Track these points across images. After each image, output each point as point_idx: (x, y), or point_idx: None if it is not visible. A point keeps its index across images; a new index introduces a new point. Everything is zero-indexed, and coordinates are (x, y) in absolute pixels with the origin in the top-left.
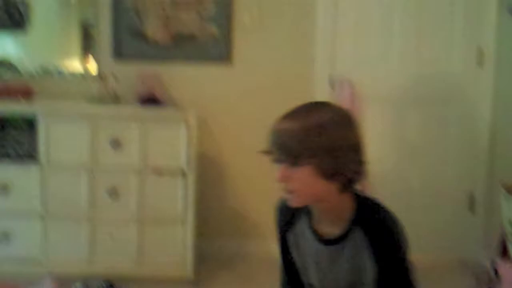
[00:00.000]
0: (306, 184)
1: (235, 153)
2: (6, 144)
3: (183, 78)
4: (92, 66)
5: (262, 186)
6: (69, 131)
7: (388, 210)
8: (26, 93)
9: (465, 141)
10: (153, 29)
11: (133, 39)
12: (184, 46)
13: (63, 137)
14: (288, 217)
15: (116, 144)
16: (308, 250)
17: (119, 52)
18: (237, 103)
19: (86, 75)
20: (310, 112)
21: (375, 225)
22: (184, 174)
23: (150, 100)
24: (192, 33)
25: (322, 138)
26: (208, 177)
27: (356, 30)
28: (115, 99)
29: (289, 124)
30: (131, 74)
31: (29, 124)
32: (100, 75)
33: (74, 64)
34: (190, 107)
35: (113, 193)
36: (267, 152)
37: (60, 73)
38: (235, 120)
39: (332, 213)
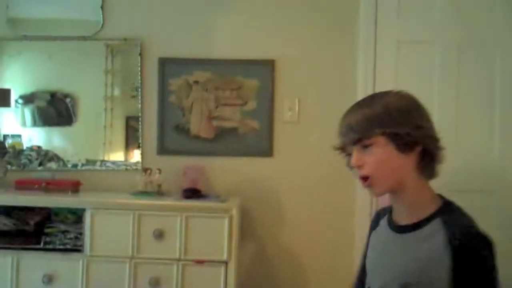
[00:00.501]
0: (381, 163)
1: (276, 242)
2: (53, 236)
3: (225, 170)
4: (137, 159)
5: (303, 274)
6: (114, 223)
7: (482, 231)
8: (73, 186)
9: (508, 230)
10: (197, 124)
11: (176, 133)
12: (226, 140)
13: (107, 228)
14: (375, 220)
15: (159, 235)
16: (379, 242)
17: (163, 146)
18: (277, 193)
19: (130, 168)
20: (374, 98)
21: (461, 228)
22: (225, 264)
23: (193, 192)
24: (234, 127)
25: (389, 114)
26: (250, 264)
27: None
28: (159, 191)
29: (355, 111)
30: (175, 167)
31: (76, 216)
32: (144, 168)
33: (118, 157)
34: (232, 199)
35: (155, 283)
36: (339, 149)
37: (105, 165)
38: (275, 209)
39: (414, 201)
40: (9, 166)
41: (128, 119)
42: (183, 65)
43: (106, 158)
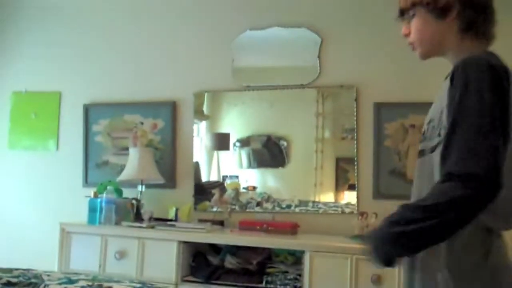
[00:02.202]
0: (420, 30)
1: None
2: (274, 275)
3: None
4: (347, 200)
5: None
6: (332, 266)
7: (497, 61)
8: (292, 228)
9: None
10: (412, 168)
11: (392, 177)
12: None
13: (326, 271)
14: None
15: (376, 280)
16: None
17: (378, 190)
18: None
19: (345, 211)
20: None
21: (462, 60)
22: None
23: None
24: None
25: None
26: None
27: None
28: None
29: None
30: (391, 212)
31: (295, 257)
32: (361, 212)
33: (329, 198)
34: None
35: None
36: (398, 18)
37: (317, 206)
38: None
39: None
40: (232, 207)
41: (338, 161)
42: (398, 109)
43: (317, 199)
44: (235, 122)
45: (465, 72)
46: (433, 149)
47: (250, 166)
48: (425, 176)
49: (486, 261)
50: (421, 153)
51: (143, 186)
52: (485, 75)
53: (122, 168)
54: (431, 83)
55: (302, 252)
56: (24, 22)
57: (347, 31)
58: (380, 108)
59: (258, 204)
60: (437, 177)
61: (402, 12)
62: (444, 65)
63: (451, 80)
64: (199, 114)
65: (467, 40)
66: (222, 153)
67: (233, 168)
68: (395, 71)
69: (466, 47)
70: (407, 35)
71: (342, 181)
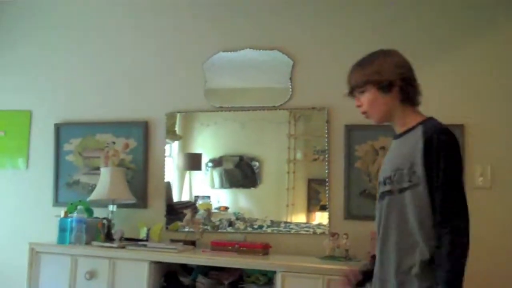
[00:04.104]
0: (371, 102)
1: None
2: None
3: None
4: (318, 221)
5: None
6: (303, 286)
7: (450, 129)
8: (263, 249)
9: None
10: None
11: (363, 198)
12: None
13: None
14: None
15: None
16: (386, 156)
17: (349, 211)
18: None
19: (317, 231)
20: (366, 55)
21: (434, 127)
22: None
23: None
24: None
25: (372, 66)
26: None
27: None
28: (347, 256)
29: (353, 71)
30: (361, 232)
31: (267, 278)
32: (332, 233)
33: (301, 219)
34: None
35: None
36: (349, 95)
37: (288, 227)
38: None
39: (403, 120)
40: (204, 227)
41: (309, 182)
42: (368, 131)
43: (289, 220)
44: (208, 143)
45: (448, 145)
46: (402, 191)
47: (222, 186)
48: (394, 210)
49: None
50: (389, 192)
51: (114, 206)
52: (456, 146)
53: (93, 187)
54: None
55: (274, 272)
56: None
57: (319, 53)
58: (350, 130)
59: (230, 224)
60: (409, 210)
61: (352, 90)
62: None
63: (427, 143)
64: (171, 134)
65: (407, 107)
66: (194, 173)
67: (205, 188)
68: None
69: (408, 113)
70: (360, 106)
71: (313, 202)
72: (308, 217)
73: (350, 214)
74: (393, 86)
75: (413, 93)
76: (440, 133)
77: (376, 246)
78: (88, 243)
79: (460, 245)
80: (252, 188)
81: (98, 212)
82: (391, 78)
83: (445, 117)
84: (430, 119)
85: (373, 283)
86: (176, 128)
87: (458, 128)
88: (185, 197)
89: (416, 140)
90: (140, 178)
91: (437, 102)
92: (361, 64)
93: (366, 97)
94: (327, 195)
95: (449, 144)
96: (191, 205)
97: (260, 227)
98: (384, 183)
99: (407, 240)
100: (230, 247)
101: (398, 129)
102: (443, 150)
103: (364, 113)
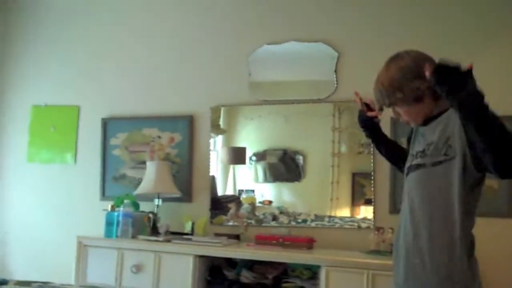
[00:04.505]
0: (408, 112)
1: None
2: None
3: None
4: (362, 215)
5: None
6: (348, 281)
7: None
8: (308, 243)
9: None
10: None
11: None
12: None
13: (342, 286)
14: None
15: None
16: (416, 134)
17: (395, 205)
18: None
19: (361, 226)
20: (382, 70)
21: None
22: None
23: None
24: None
25: (394, 92)
26: None
27: None
28: (392, 250)
29: (377, 88)
30: None
31: (311, 272)
32: (377, 227)
33: (345, 213)
34: None
35: None
36: (379, 110)
37: (333, 221)
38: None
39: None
40: (248, 221)
41: (354, 175)
42: None
43: (333, 214)
44: (251, 136)
45: None
46: (435, 164)
47: (266, 180)
48: (423, 183)
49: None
50: (420, 166)
51: (160, 200)
52: None
53: (139, 181)
54: None
55: (318, 267)
56: (44, 37)
57: (364, 45)
58: (395, 122)
59: (274, 218)
60: (434, 185)
61: (382, 108)
62: None
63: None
64: (215, 128)
65: (438, 102)
66: (238, 167)
67: (249, 182)
68: None
69: (439, 106)
70: (397, 117)
71: (358, 196)
72: (352, 211)
73: (395, 208)
74: (423, 97)
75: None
76: None
77: (401, 216)
78: (134, 236)
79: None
80: (296, 182)
81: (144, 206)
82: (419, 93)
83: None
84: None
85: (395, 251)
86: (220, 122)
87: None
88: (229, 191)
89: (449, 118)
90: (185, 172)
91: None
92: (381, 88)
93: (402, 110)
94: (372, 188)
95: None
96: (235, 199)
97: (304, 221)
98: (416, 156)
99: (441, 212)
100: (274, 241)
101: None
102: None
103: (406, 121)
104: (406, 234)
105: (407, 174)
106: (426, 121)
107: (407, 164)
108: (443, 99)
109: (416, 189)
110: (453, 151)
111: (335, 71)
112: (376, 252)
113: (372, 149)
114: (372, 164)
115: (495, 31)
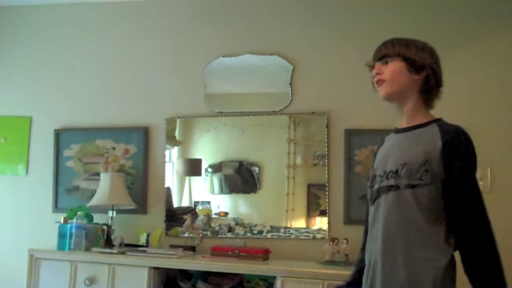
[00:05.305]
0: (396, 74)
1: None
2: None
3: None
4: (318, 226)
5: None
6: None
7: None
8: (263, 254)
9: None
10: None
11: (362, 203)
12: None
13: None
14: (380, 143)
15: None
16: (384, 148)
17: (349, 216)
18: None
19: (316, 237)
20: (406, 39)
21: (453, 129)
22: None
23: None
24: None
25: (409, 46)
26: None
27: None
28: (347, 261)
29: (389, 41)
30: (362, 237)
31: (267, 283)
32: (332, 238)
33: (300, 224)
34: None
35: None
36: (369, 65)
37: (288, 232)
38: None
39: (413, 112)
40: (204, 232)
41: (309, 187)
42: (368, 135)
43: (289, 225)
44: (207, 148)
45: (468, 147)
46: (410, 186)
47: (222, 191)
48: (399, 205)
49: None
50: (392, 188)
51: (114, 212)
52: (473, 148)
53: (92, 193)
54: None
55: (274, 277)
56: None
57: (319, 58)
58: (350, 135)
59: (230, 229)
60: (412, 207)
61: (383, 56)
62: None
63: (447, 143)
64: (171, 139)
65: (421, 102)
66: (194, 179)
67: (205, 193)
68: (365, 98)
69: (420, 107)
70: (378, 74)
71: (313, 207)
72: (308, 222)
73: (350, 219)
74: (422, 70)
75: (434, 91)
76: (462, 134)
77: (371, 243)
78: (88, 249)
79: (488, 240)
80: (252, 194)
81: (98, 218)
82: (423, 62)
83: (445, 119)
84: (441, 119)
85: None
86: (176, 134)
87: None
88: (185, 203)
89: (432, 138)
90: (140, 184)
91: (437, 104)
92: (398, 40)
93: (391, 67)
94: (327, 200)
95: (470, 145)
96: (190, 211)
97: (260, 232)
98: (387, 177)
99: (415, 237)
100: (230, 253)
101: (404, 120)
102: (464, 151)
103: (379, 81)
104: (382, 262)
105: (378, 196)
106: (407, 129)
107: (375, 186)
108: (422, 104)
109: (390, 213)
110: (428, 178)
111: (290, 83)
112: (331, 263)
113: (326, 160)
114: (327, 176)
115: (448, 44)
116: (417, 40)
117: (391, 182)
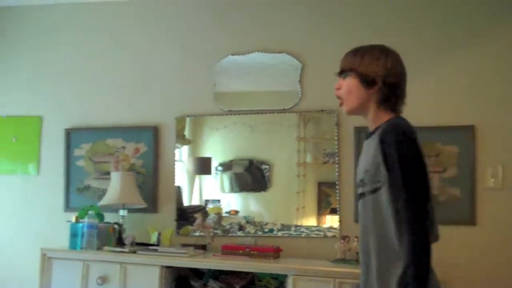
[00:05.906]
0: (350, 90)
1: None
2: None
3: None
4: (328, 224)
5: None
6: None
7: (407, 125)
8: (274, 252)
9: None
10: None
11: None
12: None
13: None
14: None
15: None
16: (360, 156)
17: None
18: (481, 264)
19: (327, 235)
20: (367, 45)
21: (384, 129)
22: None
23: None
24: (435, 195)
25: (362, 58)
26: None
27: None
28: (358, 259)
29: (346, 55)
30: None
31: (278, 281)
32: (343, 236)
33: (311, 222)
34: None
35: None
36: (338, 74)
37: (299, 230)
38: (479, 282)
39: (375, 118)
40: (214, 231)
41: (320, 185)
42: None
43: (299, 223)
44: (217, 147)
45: (399, 145)
46: (373, 191)
47: (232, 190)
48: (368, 211)
49: None
50: (362, 195)
51: (125, 211)
52: (406, 144)
53: (103, 192)
54: (412, 106)
55: (285, 276)
56: (5, 47)
57: (328, 56)
58: (360, 132)
59: (241, 228)
60: (385, 209)
61: (342, 71)
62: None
63: (381, 144)
64: (181, 138)
65: (382, 110)
66: (204, 178)
67: (215, 192)
68: None
69: (381, 115)
70: (338, 89)
71: (324, 205)
72: (318, 220)
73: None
74: (374, 84)
75: (394, 100)
76: (387, 132)
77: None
78: (99, 248)
79: (418, 246)
80: (262, 192)
81: (109, 217)
82: (374, 76)
83: (455, 118)
84: (395, 117)
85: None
86: (186, 133)
87: (469, 129)
88: (195, 202)
89: (376, 142)
90: (151, 183)
91: (447, 103)
92: (356, 52)
93: (346, 83)
94: (337, 198)
95: (398, 142)
96: (201, 209)
97: (271, 230)
98: (358, 186)
99: (382, 245)
100: (240, 251)
101: (369, 124)
102: (393, 150)
103: (338, 97)
104: (362, 269)
105: (358, 200)
106: (369, 134)
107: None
108: (383, 112)
109: (363, 217)
110: (381, 182)
111: (299, 81)
112: (342, 261)
113: (336, 158)
114: (337, 174)
115: (456, 41)
116: (374, 49)
117: (360, 190)
